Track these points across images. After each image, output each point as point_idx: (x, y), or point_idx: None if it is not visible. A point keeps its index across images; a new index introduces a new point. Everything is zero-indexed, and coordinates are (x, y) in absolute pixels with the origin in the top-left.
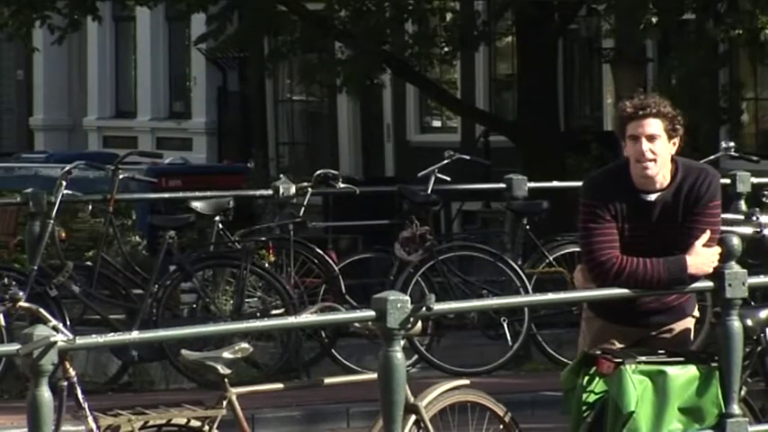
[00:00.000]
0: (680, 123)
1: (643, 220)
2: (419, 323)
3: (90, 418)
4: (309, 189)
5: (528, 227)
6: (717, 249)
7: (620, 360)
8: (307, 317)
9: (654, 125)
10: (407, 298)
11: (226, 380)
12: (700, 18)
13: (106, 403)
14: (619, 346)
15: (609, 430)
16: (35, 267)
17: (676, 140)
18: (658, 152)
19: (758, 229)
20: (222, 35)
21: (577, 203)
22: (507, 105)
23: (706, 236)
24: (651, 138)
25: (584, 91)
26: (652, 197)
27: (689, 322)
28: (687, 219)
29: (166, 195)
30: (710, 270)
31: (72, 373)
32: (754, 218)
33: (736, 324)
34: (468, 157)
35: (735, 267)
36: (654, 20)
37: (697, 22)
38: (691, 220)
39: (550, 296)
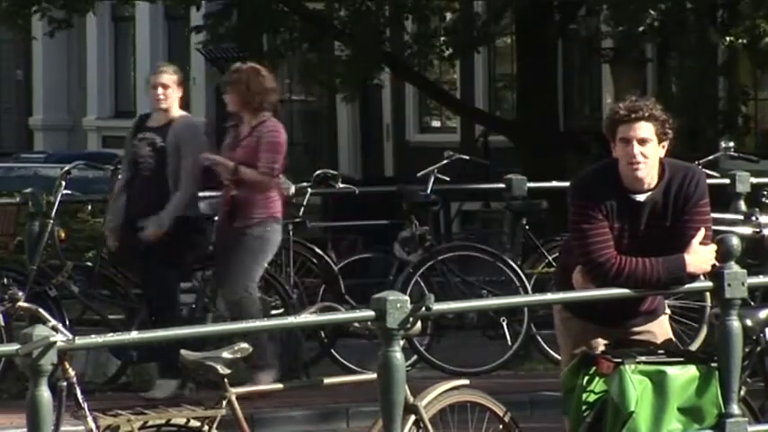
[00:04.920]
0: (670, 127)
1: (632, 221)
2: (419, 323)
3: (89, 418)
4: (309, 189)
5: (527, 227)
6: (713, 247)
7: (619, 360)
8: (306, 317)
9: (645, 128)
10: (407, 298)
11: (225, 380)
12: (700, 23)
13: (106, 403)
14: (603, 342)
15: (609, 430)
16: (34, 267)
17: (665, 143)
18: (648, 155)
19: (758, 229)
20: (220, 31)
21: None
22: (507, 105)
23: (701, 234)
24: (642, 141)
25: (583, 91)
26: (641, 197)
27: (664, 321)
28: (679, 218)
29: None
30: (709, 268)
31: (71, 373)
32: (754, 218)
33: (735, 324)
34: (467, 158)
35: (734, 267)
36: (656, 23)
37: (698, 27)
38: (684, 220)
39: (550, 296)
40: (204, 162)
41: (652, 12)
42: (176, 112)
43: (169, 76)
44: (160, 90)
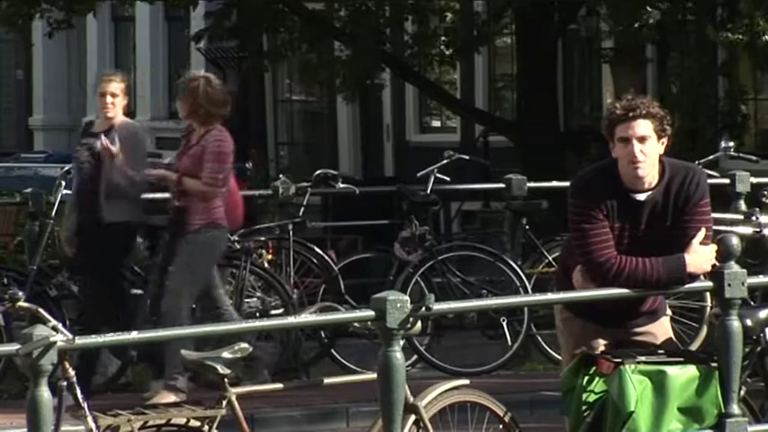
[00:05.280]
0: (668, 123)
1: (633, 220)
2: (419, 323)
3: (89, 418)
4: (309, 189)
5: (527, 227)
6: (713, 247)
7: (619, 360)
8: (306, 317)
9: (644, 126)
10: (407, 298)
11: (225, 380)
12: (700, 22)
13: (106, 403)
14: (603, 343)
15: (608, 430)
16: (34, 267)
17: (665, 140)
18: (648, 153)
19: (758, 229)
20: (220, 32)
21: None
22: (507, 105)
23: (702, 234)
24: (642, 139)
25: (583, 91)
26: (642, 197)
27: (665, 322)
28: (680, 218)
29: (166, 195)
30: (709, 268)
31: (71, 373)
32: (754, 218)
33: (735, 324)
34: (467, 157)
35: (734, 267)
36: (652, 20)
37: (697, 26)
38: (684, 220)
39: (550, 296)
40: (147, 177)
41: (649, 8)
42: (120, 118)
43: (117, 85)
44: (109, 99)
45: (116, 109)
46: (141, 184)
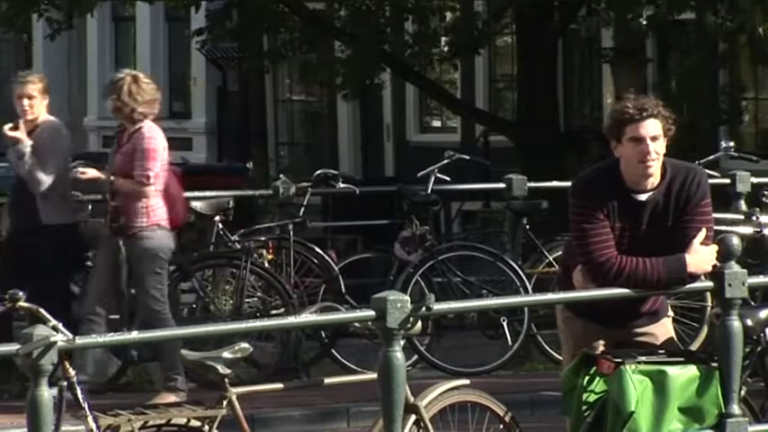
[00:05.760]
0: (673, 123)
1: (634, 221)
2: (419, 323)
3: (90, 418)
4: (309, 189)
5: (528, 227)
6: (714, 247)
7: (620, 360)
8: (307, 317)
9: (655, 126)
10: (407, 298)
11: (226, 380)
12: (699, 17)
13: (106, 403)
14: (602, 344)
15: (609, 430)
16: None
17: (668, 140)
18: (660, 152)
19: (758, 229)
20: (220, 31)
21: None
22: (507, 105)
23: (702, 234)
24: (654, 138)
25: (583, 91)
26: (643, 197)
27: (667, 323)
28: (680, 219)
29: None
30: (710, 268)
31: (72, 372)
32: (754, 218)
33: (735, 324)
34: (467, 157)
35: (735, 267)
36: (646, 13)
37: (697, 23)
38: (685, 220)
39: (550, 296)
40: (77, 175)
41: (645, 1)
42: (42, 117)
43: (34, 86)
44: (26, 102)
45: (35, 110)
46: (59, 184)
